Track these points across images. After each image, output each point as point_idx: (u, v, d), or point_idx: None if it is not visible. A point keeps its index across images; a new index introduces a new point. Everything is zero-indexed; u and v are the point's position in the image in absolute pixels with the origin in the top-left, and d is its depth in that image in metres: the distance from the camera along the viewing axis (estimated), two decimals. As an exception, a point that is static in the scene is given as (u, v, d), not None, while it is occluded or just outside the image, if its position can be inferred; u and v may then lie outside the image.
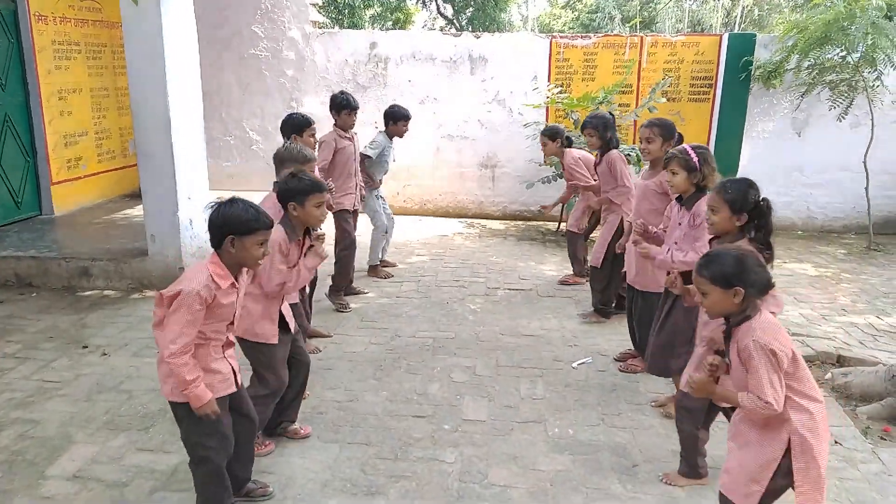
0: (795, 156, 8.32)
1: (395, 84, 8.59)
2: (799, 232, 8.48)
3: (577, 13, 23.97)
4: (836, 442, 3.53)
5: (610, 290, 5.14)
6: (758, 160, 8.29)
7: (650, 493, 3.08)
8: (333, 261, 5.41)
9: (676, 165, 3.45)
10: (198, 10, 5.73)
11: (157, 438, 3.45)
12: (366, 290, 5.77)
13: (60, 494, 3.00)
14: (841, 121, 7.53)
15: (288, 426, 3.45)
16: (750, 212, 2.79)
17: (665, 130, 4.07)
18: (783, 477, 2.34)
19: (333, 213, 5.36)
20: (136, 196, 7.60)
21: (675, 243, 3.51)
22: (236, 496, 2.90)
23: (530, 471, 3.24)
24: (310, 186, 3.10)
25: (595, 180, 5.51)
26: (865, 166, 7.45)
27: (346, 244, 5.43)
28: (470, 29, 19.28)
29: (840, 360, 4.51)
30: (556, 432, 3.58)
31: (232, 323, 2.65)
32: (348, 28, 15.37)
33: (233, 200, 2.58)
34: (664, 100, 7.33)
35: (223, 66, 8.64)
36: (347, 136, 5.37)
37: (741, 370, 2.34)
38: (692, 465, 3.13)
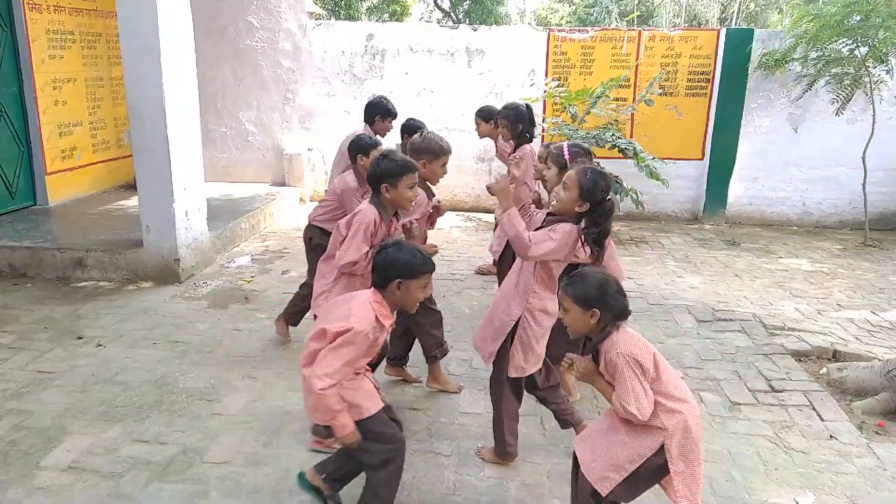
0: (792, 151, 8.33)
1: (391, 76, 8.56)
2: (794, 227, 8.49)
3: (574, 7, 23.91)
4: (831, 437, 3.55)
5: None
6: (754, 155, 8.30)
7: (646, 486, 3.08)
8: None
9: (550, 161, 3.56)
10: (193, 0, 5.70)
11: (152, 430, 3.44)
12: None
13: (55, 485, 2.99)
14: (839, 115, 7.54)
15: None
16: (594, 204, 2.82)
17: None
18: (649, 475, 2.42)
19: None
20: (130, 187, 7.56)
21: None
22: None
23: (526, 464, 3.24)
24: (402, 167, 3.11)
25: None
26: (864, 162, 7.46)
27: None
28: (467, 22, 19.22)
29: (835, 355, 4.53)
30: (553, 425, 3.57)
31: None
32: (345, 20, 15.30)
33: (399, 244, 2.61)
34: (660, 91, 7.31)
35: (219, 56, 8.59)
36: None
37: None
38: (500, 444, 3.20)
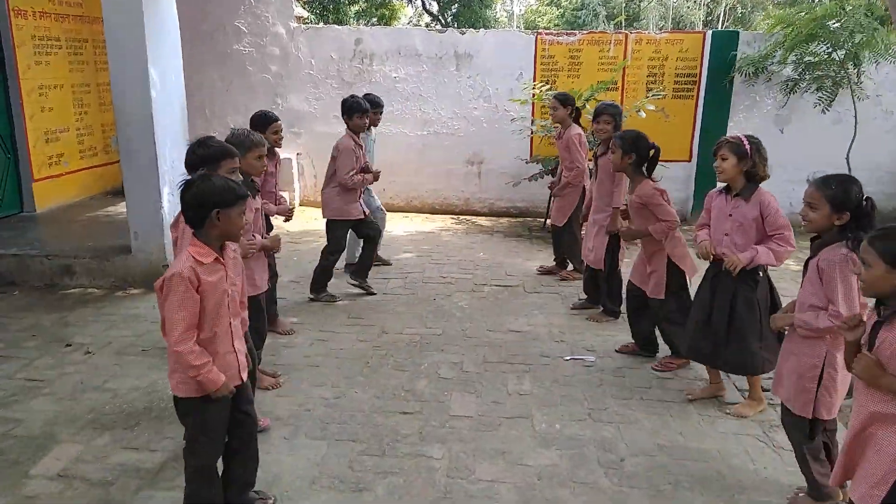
0: (778, 152, 8.23)
1: (380, 80, 8.56)
2: (781, 227, 8.56)
3: (562, 10, 24.01)
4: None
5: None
6: (741, 156, 8.36)
7: (637, 486, 3.10)
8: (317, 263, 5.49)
9: (727, 150, 3.46)
10: (180, 4, 5.68)
11: (142, 437, 3.42)
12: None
13: (44, 493, 2.97)
14: (825, 112, 7.61)
15: None
16: (852, 211, 2.60)
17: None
18: None
19: (335, 221, 5.36)
20: (118, 193, 7.51)
21: (727, 235, 3.57)
22: (236, 502, 2.81)
23: (517, 466, 3.25)
24: (219, 152, 3.02)
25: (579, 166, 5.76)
26: (848, 162, 7.53)
27: (335, 251, 5.42)
28: (455, 25, 19.25)
29: (822, 354, 4.55)
30: (544, 427, 3.59)
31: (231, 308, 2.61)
32: (333, 24, 15.29)
33: (205, 176, 2.51)
34: (653, 107, 7.31)
35: (206, 61, 8.57)
36: (359, 140, 5.37)
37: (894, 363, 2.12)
38: (812, 484, 2.89)
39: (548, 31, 8.83)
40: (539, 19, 25.42)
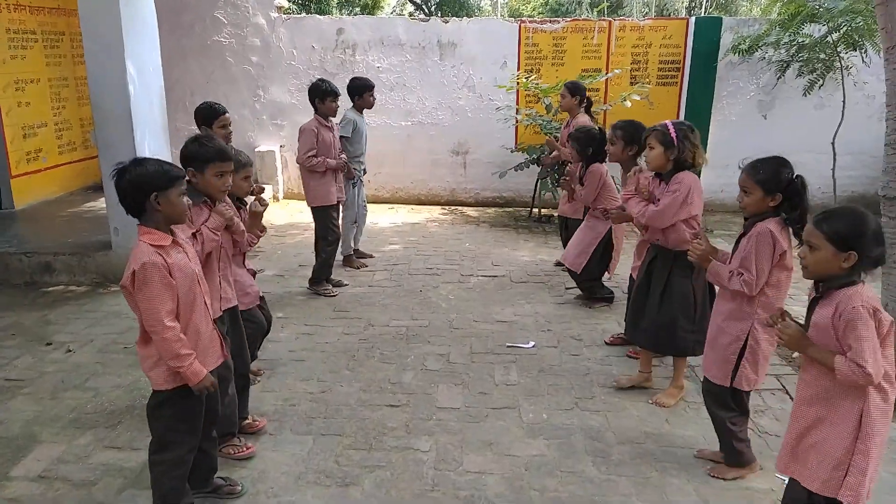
0: (761, 138, 8.40)
1: (363, 71, 8.47)
2: (766, 213, 8.59)
3: (545, -3, 23.91)
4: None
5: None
6: (725, 142, 8.37)
7: (624, 474, 3.10)
8: (315, 255, 5.42)
9: (654, 140, 3.49)
10: (158, -5, 5.58)
11: (124, 436, 3.38)
12: (346, 282, 5.67)
13: (26, 495, 2.92)
14: (807, 95, 7.61)
15: (241, 421, 3.33)
16: (783, 191, 2.69)
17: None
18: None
19: (317, 208, 5.29)
20: (98, 188, 7.43)
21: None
22: (203, 489, 2.83)
23: (505, 456, 3.24)
24: (212, 153, 2.81)
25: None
26: (833, 147, 7.55)
27: (331, 240, 5.37)
28: (439, 14, 19.13)
29: (807, 339, 4.58)
30: (531, 417, 3.59)
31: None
32: (315, 14, 15.12)
33: (137, 160, 2.41)
34: (638, 97, 7.26)
35: (186, 53, 8.45)
36: (328, 124, 5.30)
37: (828, 338, 2.16)
38: (730, 452, 3.04)
39: (531, 20, 8.78)
40: (523, 7, 25.31)
